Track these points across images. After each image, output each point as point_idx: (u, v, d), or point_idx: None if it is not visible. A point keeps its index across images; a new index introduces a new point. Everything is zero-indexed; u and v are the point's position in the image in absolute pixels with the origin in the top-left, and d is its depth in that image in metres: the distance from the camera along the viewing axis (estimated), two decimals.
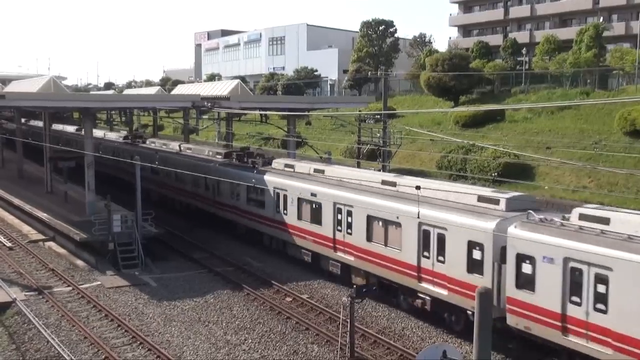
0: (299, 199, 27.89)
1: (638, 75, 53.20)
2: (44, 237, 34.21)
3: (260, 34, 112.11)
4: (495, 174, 40.44)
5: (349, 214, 24.89)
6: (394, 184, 24.37)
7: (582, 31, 59.57)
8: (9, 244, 33.28)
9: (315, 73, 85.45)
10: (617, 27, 69.14)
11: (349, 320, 18.85)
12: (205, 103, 39.50)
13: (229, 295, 25.37)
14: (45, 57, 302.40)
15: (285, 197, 28.84)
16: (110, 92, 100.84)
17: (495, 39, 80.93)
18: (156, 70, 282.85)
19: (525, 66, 65.80)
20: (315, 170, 28.92)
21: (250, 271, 28.54)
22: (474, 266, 19.53)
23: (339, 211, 25.45)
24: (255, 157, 34.96)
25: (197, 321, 22.70)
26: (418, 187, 21.25)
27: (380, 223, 23.43)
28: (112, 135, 57.46)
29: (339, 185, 26.15)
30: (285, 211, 28.88)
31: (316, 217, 26.81)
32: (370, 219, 23.84)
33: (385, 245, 23.18)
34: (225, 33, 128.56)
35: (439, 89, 60.74)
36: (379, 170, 35.44)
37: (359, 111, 45.68)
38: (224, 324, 22.42)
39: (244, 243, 32.97)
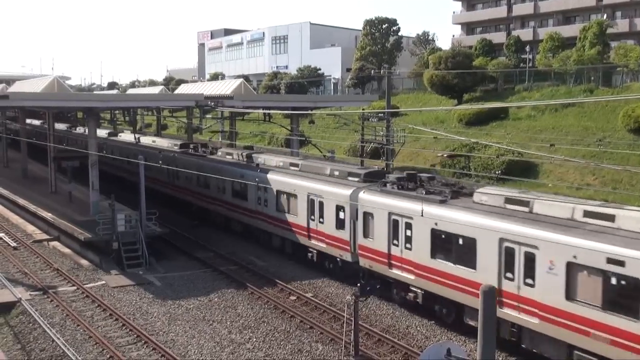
0: (569, 263, 16.88)
1: None
2: (48, 237, 34.31)
3: (263, 32, 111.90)
4: (499, 171, 40.36)
5: None
6: None
7: (586, 28, 59.28)
8: (13, 244, 33.38)
9: (319, 72, 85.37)
10: (621, 24, 68.74)
11: (353, 319, 18.87)
12: (209, 102, 39.58)
13: (233, 294, 25.41)
14: (49, 57, 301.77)
15: (529, 258, 17.93)
16: (114, 91, 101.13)
17: (498, 37, 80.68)
18: (159, 70, 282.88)
19: (529, 64, 65.62)
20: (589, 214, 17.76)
21: (254, 270, 28.56)
22: None
23: None
24: (426, 181, 23.27)
25: (201, 320, 22.74)
26: None
27: None
28: (164, 143, 47.96)
29: None
30: (530, 280, 18.02)
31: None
32: None
33: None
34: (228, 32, 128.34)
35: (443, 87, 60.67)
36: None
37: (363, 109, 45.64)
38: (228, 323, 22.46)
39: (247, 242, 33.01)
